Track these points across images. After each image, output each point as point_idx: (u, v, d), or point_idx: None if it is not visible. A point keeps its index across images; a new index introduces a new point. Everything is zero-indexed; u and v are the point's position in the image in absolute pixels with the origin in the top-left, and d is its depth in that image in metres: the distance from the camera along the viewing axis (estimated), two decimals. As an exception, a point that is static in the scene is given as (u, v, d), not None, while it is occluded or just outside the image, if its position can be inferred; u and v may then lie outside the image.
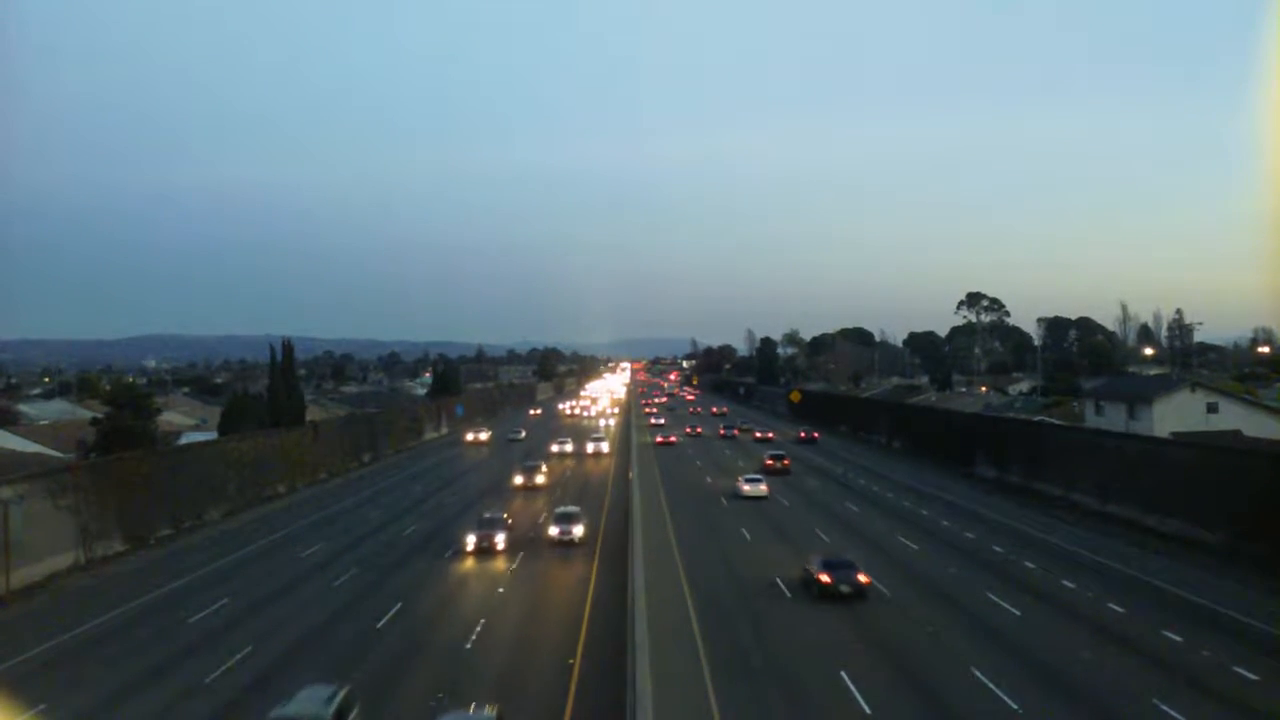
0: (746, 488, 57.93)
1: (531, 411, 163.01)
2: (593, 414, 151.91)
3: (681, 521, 48.92)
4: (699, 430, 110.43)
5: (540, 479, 63.72)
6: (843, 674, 24.99)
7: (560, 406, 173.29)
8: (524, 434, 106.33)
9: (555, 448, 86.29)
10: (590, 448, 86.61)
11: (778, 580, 35.43)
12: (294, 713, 19.87)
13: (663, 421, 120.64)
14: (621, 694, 21.66)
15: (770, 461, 71.04)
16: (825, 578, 32.72)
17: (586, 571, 38.52)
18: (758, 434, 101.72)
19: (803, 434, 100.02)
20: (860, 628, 29.62)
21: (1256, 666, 25.11)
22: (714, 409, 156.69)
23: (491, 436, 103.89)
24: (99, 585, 38.12)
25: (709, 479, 67.40)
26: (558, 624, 30.84)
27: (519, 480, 63.79)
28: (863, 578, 33.09)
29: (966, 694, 23.60)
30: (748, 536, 44.94)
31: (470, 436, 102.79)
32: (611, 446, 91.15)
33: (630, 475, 60.80)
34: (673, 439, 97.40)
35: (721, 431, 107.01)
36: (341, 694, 21.01)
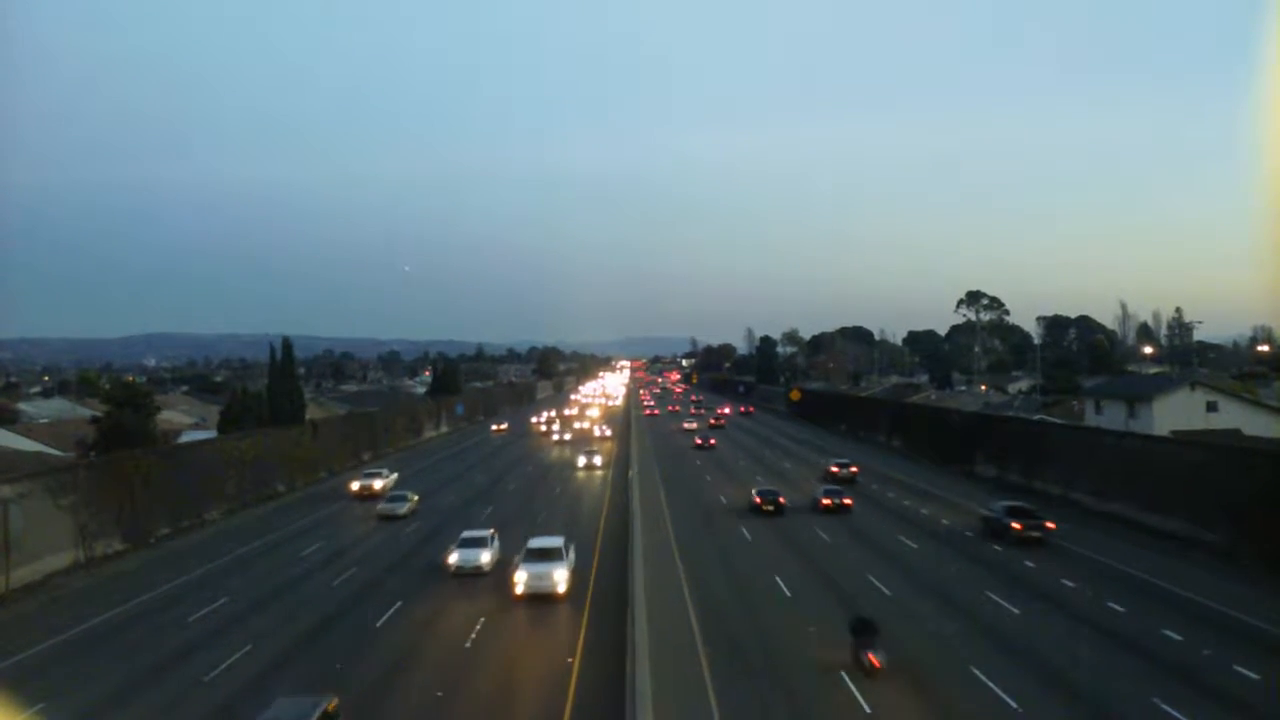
0: (685, 425, 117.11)
1: (495, 427, 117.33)
2: (569, 436, 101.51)
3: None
4: (676, 408, 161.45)
5: None
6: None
7: (535, 419, 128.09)
8: (412, 502, 53.06)
9: (454, 558, 37.23)
10: (521, 581, 33.19)
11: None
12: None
13: (651, 403, 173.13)
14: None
15: (713, 421, 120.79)
16: (699, 442, 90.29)
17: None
18: (719, 410, 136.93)
19: (743, 408, 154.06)
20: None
21: (1257, 666, 25.11)
22: (693, 396, 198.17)
23: (389, 485, 61.98)
24: (98, 584, 38.12)
25: (673, 427, 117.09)
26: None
27: None
28: (715, 432, 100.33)
29: (969, 693, 23.59)
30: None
31: (357, 485, 60.72)
32: (583, 578, 35.69)
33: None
34: (655, 412, 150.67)
35: (693, 410, 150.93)
36: (324, 706, 18.85)
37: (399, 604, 32.96)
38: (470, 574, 36.63)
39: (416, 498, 54.31)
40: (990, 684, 24.19)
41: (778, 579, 36.01)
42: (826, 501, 52.56)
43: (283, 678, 25.43)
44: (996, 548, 41.70)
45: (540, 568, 33.20)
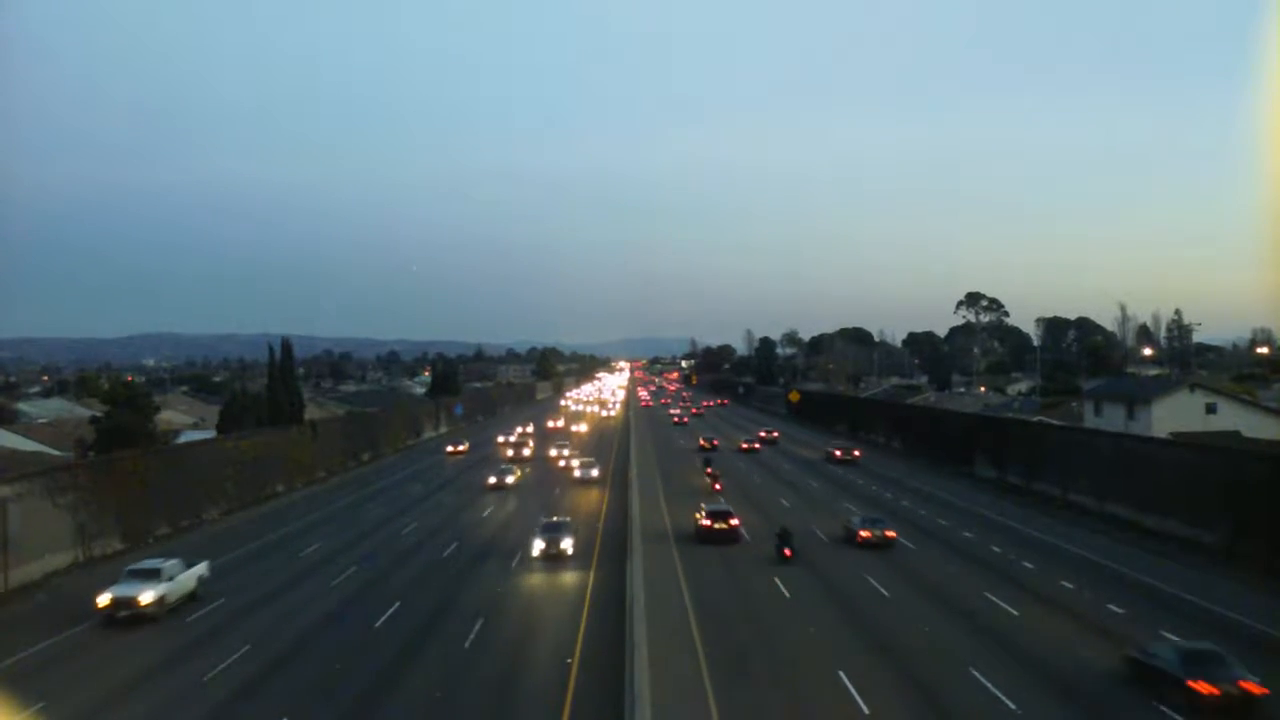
0: (671, 411, 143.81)
1: (451, 449, 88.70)
2: (511, 479, 64.09)
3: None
4: (667, 401, 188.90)
5: None
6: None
7: (501, 439, 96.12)
8: None
9: None
10: None
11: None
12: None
13: (648, 398, 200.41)
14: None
15: (694, 410, 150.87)
16: (677, 420, 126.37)
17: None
18: (702, 402, 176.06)
19: (720, 400, 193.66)
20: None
21: (1255, 667, 25.05)
22: (684, 393, 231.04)
23: (172, 596, 33.01)
24: (97, 584, 38.00)
25: (663, 414, 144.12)
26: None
27: None
28: (690, 412, 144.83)
29: (966, 693, 23.59)
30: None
31: (107, 597, 31.65)
32: None
33: None
34: (650, 404, 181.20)
35: (679, 403, 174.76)
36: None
37: None
38: None
39: None
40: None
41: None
42: (744, 445, 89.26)
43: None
44: (831, 466, 75.61)
45: None
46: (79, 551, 41.15)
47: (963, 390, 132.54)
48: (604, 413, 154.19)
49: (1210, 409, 66.81)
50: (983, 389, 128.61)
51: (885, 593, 33.87)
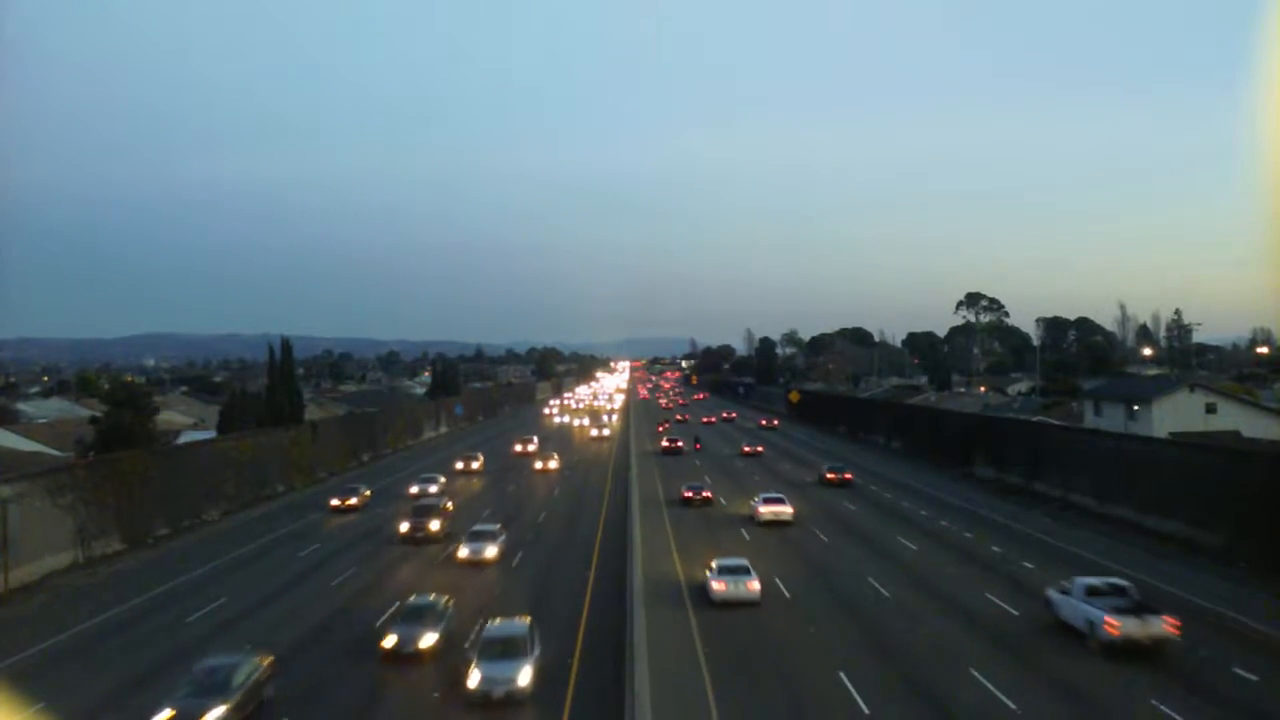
0: (661, 400, 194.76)
1: (338, 502, 55.11)
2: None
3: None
4: (660, 394, 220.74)
5: None
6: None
7: (414, 488, 59.43)
8: None
9: None
10: None
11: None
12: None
13: (646, 393, 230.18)
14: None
15: (680, 400, 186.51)
16: (663, 405, 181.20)
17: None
18: (694, 396, 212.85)
19: (700, 395, 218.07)
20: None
21: (1255, 667, 25.12)
22: (676, 389, 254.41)
23: None
24: (97, 584, 38.10)
25: (657, 407, 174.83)
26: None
27: None
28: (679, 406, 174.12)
29: (964, 693, 23.60)
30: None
31: None
32: None
33: None
34: (647, 396, 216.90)
35: (670, 396, 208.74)
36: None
37: None
38: None
39: None
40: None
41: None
42: (705, 420, 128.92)
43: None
44: (759, 430, 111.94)
45: None
46: (79, 551, 41.15)
47: (963, 390, 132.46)
48: (595, 431, 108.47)
49: (1210, 409, 66.77)
50: (983, 389, 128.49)
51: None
